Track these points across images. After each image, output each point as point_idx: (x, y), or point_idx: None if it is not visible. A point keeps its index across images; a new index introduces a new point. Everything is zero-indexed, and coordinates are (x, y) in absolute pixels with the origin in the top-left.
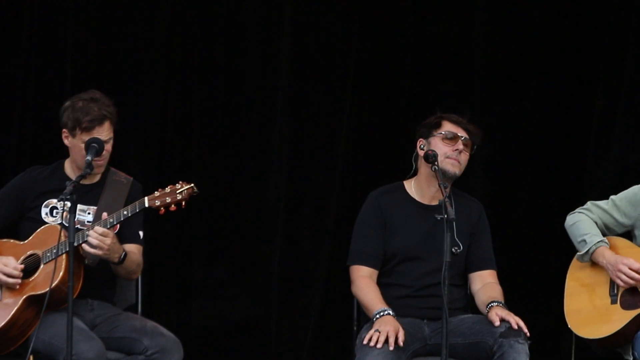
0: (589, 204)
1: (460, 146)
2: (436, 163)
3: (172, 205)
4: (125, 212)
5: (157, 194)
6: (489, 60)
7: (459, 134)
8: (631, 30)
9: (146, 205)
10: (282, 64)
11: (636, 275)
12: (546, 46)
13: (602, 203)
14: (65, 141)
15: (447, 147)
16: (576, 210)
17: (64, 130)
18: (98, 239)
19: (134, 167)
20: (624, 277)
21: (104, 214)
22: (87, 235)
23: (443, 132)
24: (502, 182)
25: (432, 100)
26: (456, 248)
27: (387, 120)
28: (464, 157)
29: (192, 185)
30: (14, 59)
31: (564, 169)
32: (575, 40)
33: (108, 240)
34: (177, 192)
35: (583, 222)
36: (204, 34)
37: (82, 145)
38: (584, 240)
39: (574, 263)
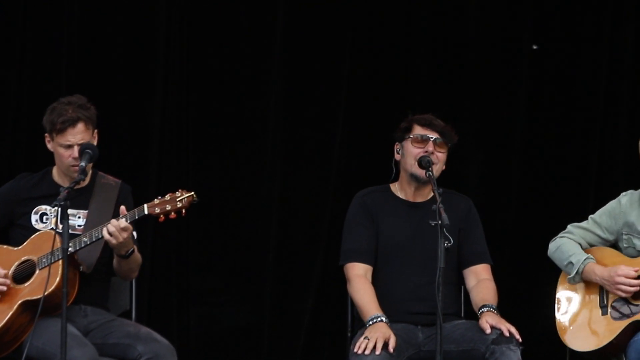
0: (569, 227)
1: (431, 147)
2: (430, 169)
3: (172, 213)
4: (124, 219)
5: (156, 201)
6: (482, 66)
7: (428, 136)
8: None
9: (145, 212)
10: (274, 71)
11: (635, 282)
12: (541, 51)
13: (582, 224)
14: (48, 145)
15: (418, 150)
16: (557, 236)
17: (45, 135)
18: (117, 230)
19: (130, 175)
20: (624, 287)
21: (122, 208)
22: (104, 229)
23: (412, 135)
24: (495, 187)
25: (425, 106)
26: (447, 242)
27: (380, 126)
28: (439, 156)
29: (192, 193)
30: (7, 65)
31: (557, 174)
32: (571, 44)
33: (125, 235)
34: (177, 200)
35: (565, 245)
36: (197, 41)
37: (61, 150)
38: (570, 262)
39: (562, 277)
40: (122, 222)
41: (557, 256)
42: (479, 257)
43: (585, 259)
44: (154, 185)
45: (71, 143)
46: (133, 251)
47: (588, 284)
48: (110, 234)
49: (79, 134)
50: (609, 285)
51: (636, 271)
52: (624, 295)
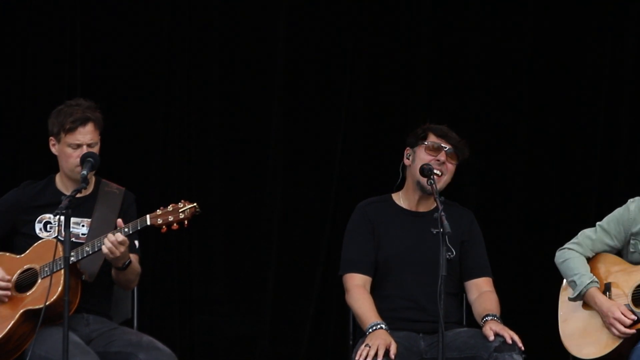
0: (579, 236)
1: (443, 157)
2: (432, 177)
3: (175, 224)
4: (126, 230)
5: (159, 212)
6: (482, 75)
7: (442, 145)
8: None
9: (148, 223)
10: (276, 79)
11: (629, 331)
12: (540, 60)
13: (591, 234)
14: (53, 149)
15: (429, 157)
16: (565, 245)
17: (50, 138)
18: (115, 245)
19: (133, 183)
20: (615, 331)
21: (119, 221)
22: (102, 243)
23: (427, 143)
24: (495, 195)
25: (426, 115)
26: (449, 254)
27: (381, 135)
28: (449, 168)
29: (195, 204)
30: (9, 71)
31: (558, 183)
32: (572, 52)
33: (122, 248)
34: (180, 211)
35: (572, 260)
36: (200, 50)
37: (68, 150)
38: (574, 282)
39: (565, 284)
40: (119, 236)
41: (563, 269)
42: (481, 271)
43: (588, 283)
44: (157, 194)
45: (80, 142)
46: (130, 262)
47: None
48: (108, 249)
49: (88, 134)
50: (604, 320)
51: (631, 320)
52: (615, 332)
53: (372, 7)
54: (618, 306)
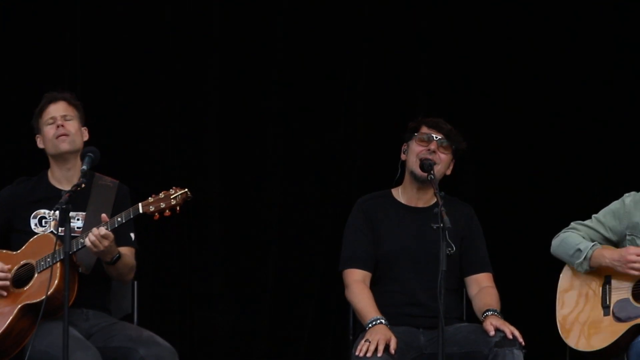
0: (572, 224)
1: (434, 146)
2: (432, 172)
3: (167, 211)
4: (119, 219)
5: (151, 199)
6: (480, 68)
7: (433, 135)
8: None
9: (140, 211)
10: (277, 75)
11: None
12: (538, 52)
13: (585, 222)
14: (40, 146)
15: (421, 148)
16: (560, 232)
17: (36, 136)
18: (98, 238)
19: (134, 180)
20: (637, 265)
21: (104, 216)
22: (86, 236)
23: (418, 135)
24: (493, 189)
25: (426, 110)
26: (450, 249)
27: (381, 133)
28: (442, 157)
29: (186, 190)
30: (8, 69)
31: (554, 175)
32: (571, 46)
33: (106, 242)
34: (171, 197)
35: (571, 237)
36: (200, 48)
37: (46, 128)
38: (579, 249)
39: (563, 276)
40: (102, 230)
41: (562, 249)
42: (481, 266)
43: (592, 245)
44: (156, 190)
45: (54, 115)
46: (119, 257)
47: (589, 283)
48: (91, 242)
49: (60, 108)
50: (621, 265)
51: None
52: (637, 273)
53: (372, 5)
54: (628, 247)
